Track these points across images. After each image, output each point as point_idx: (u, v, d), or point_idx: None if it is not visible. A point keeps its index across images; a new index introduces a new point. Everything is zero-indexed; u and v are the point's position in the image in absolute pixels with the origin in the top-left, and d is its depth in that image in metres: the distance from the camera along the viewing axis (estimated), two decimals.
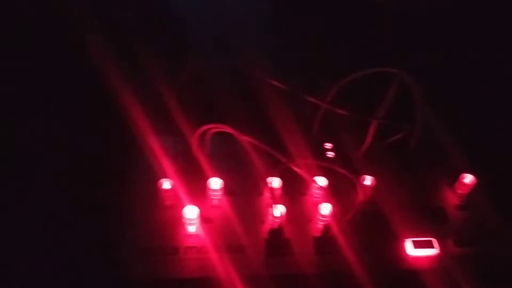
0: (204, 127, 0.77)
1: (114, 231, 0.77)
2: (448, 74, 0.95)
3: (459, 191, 0.87)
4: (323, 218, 0.80)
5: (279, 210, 0.78)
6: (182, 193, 0.82)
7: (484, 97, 0.95)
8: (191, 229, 0.79)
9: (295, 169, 0.80)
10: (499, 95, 0.97)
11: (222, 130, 0.77)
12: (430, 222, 0.83)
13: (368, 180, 0.84)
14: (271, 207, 0.76)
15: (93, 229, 0.77)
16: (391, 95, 0.79)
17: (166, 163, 0.83)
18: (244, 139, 0.79)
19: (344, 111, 0.79)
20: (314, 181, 0.82)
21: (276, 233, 0.77)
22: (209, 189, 0.82)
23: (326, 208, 0.79)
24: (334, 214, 0.79)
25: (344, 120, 0.85)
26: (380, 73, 0.81)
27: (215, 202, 0.83)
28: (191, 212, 0.78)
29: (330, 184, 0.84)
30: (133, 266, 0.75)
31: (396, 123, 0.84)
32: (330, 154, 0.91)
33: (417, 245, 0.79)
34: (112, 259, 0.75)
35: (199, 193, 0.83)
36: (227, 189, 0.84)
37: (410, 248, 0.79)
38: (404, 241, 0.80)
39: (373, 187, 0.84)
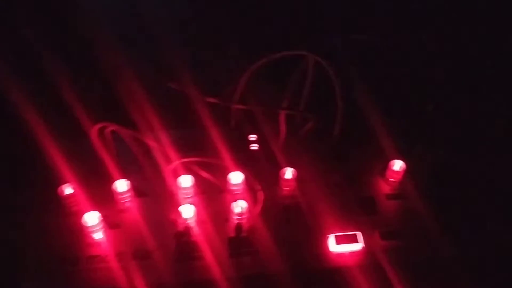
0: (100, 125, 0.71)
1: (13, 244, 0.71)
2: (371, 57, 0.89)
3: (390, 179, 0.81)
4: (237, 217, 0.74)
5: (187, 210, 0.72)
6: (85, 198, 0.75)
7: (413, 80, 0.89)
8: (97, 236, 0.73)
9: (199, 170, 0.74)
10: (428, 78, 0.91)
11: (119, 128, 0.70)
12: (357, 214, 0.77)
13: (289, 173, 0.78)
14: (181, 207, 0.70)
15: None
16: (294, 80, 0.73)
17: (67, 167, 0.76)
18: (146, 138, 0.73)
19: (252, 106, 0.73)
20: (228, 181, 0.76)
21: (183, 236, 0.71)
22: (115, 192, 0.76)
23: (239, 206, 0.73)
24: (251, 211, 0.74)
25: (259, 113, 0.79)
26: (293, 57, 0.75)
27: (123, 205, 0.77)
28: (91, 218, 0.72)
29: (249, 179, 0.78)
30: (31, 282, 0.68)
31: (300, 112, 0.79)
32: (254, 146, 0.85)
33: (340, 240, 0.73)
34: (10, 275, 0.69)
35: (105, 197, 0.77)
36: (136, 191, 0.78)
37: (332, 244, 0.73)
38: (327, 237, 0.74)
39: (294, 180, 0.78)
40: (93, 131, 0.72)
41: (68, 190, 0.75)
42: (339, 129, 0.82)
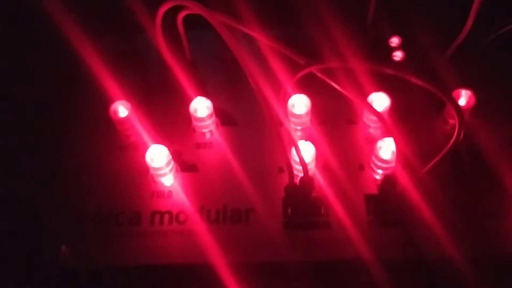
0: (169, 4, 0.43)
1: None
2: None
3: None
4: (382, 164, 0.46)
5: (304, 149, 0.45)
6: (147, 124, 0.50)
7: None
8: (166, 182, 0.48)
9: (329, 81, 0.46)
10: None
11: (205, 12, 0.42)
12: None
13: (463, 98, 0.49)
14: (292, 145, 0.43)
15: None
16: None
17: (120, 79, 0.50)
18: (242, 30, 0.45)
19: None
20: (367, 104, 0.48)
21: (297, 190, 0.44)
22: (191, 117, 0.50)
23: (388, 147, 0.46)
24: (401, 157, 0.46)
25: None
26: None
27: (203, 137, 0.51)
28: (157, 155, 0.47)
29: (395, 107, 0.49)
30: (66, 248, 0.46)
31: None
32: (397, 56, 0.55)
33: None
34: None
35: (177, 125, 0.51)
36: (221, 116, 0.52)
37: None
38: None
39: (471, 109, 0.49)
40: (159, 15, 0.44)
41: (123, 110, 0.49)
42: None
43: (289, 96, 0.48)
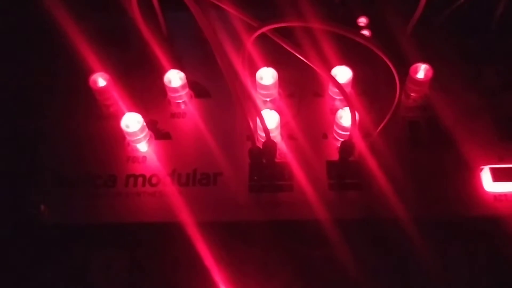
0: None
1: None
2: None
3: None
4: (342, 132, 0.49)
5: (269, 118, 0.48)
6: (125, 95, 0.53)
7: None
8: (141, 148, 0.52)
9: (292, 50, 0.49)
10: None
11: None
12: None
13: (421, 71, 0.52)
14: (257, 114, 0.46)
15: None
16: None
17: (99, 51, 0.54)
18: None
19: None
20: (330, 75, 0.51)
21: (262, 155, 0.47)
22: (166, 88, 0.53)
23: (348, 116, 0.49)
24: (362, 125, 0.49)
25: None
26: None
27: (177, 107, 0.54)
28: (132, 122, 0.50)
29: (358, 79, 0.52)
30: (45, 206, 0.49)
31: None
32: (365, 33, 0.58)
33: (499, 175, 0.48)
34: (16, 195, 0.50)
35: (152, 96, 0.55)
36: (194, 88, 0.55)
37: (488, 181, 0.48)
38: (480, 169, 0.49)
39: (428, 82, 0.52)
40: None
41: (102, 81, 0.53)
42: (500, 15, 0.53)
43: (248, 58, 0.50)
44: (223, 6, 0.41)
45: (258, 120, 0.45)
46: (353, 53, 0.50)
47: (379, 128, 0.46)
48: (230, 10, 0.41)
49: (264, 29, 0.40)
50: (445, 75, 0.53)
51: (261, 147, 0.46)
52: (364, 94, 0.54)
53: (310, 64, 0.42)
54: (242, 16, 0.41)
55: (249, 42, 0.43)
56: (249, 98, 0.47)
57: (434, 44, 0.56)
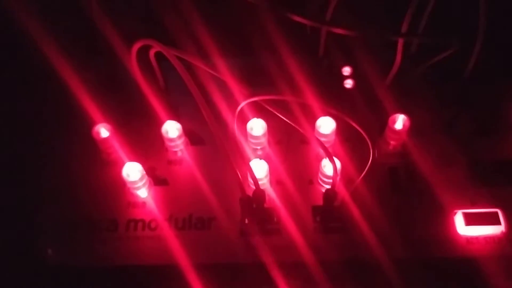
0: (141, 43, 0.51)
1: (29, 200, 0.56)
2: None
3: None
4: (326, 179, 0.54)
5: (258, 166, 0.53)
6: (125, 144, 0.58)
7: None
8: (140, 194, 0.56)
9: (276, 111, 0.54)
10: None
11: (168, 50, 0.50)
12: (497, 183, 0.55)
13: (399, 121, 0.56)
14: (246, 166, 0.50)
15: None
16: None
17: (102, 104, 0.58)
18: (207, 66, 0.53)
19: (351, 29, 0.50)
20: (313, 135, 0.55)
21: (253, 201, 0.51)
22: (164, 137, 0.57)
23: (331, 165, 0.53)
24: (345, 172, 0.53)
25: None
26: None
27: (174, 155, 0.59)
28: (132, 170, 0.54)
29: (342, 130, 0.57)
30: (52, 248, 0.53)
31: (440, 37, 0.55)
32: (348, 84, 0.63)
33: (471, 219, 0.52)
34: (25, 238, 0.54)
35: (151, 145, 0.59)
36: (190, 137, 0.59)
37: (461, 225, 0.52)
38: (454, 213, 0.53)
39: (406, 131, 0.56)
40: (133, 52, 0.52)
41: (104, 132, 0.57)
42: (473, 64, 0.58)
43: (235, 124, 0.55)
44: (215, 73, 0.46)
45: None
46: (337, 102, 0.55)
47: (360, 177, 0.50)
48: (221, 77, 0.46)
49: (253, 99, 0.45)
50: (422, 122, 0.58)
51: (250, 195, 0.50)
52: (348, 141, 0.58)
53: (295, 126, 0.46)
54: (232, 83, 0.46)
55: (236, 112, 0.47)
56: (238, 151, 0.51)
57: (412, 92, 0.60)
